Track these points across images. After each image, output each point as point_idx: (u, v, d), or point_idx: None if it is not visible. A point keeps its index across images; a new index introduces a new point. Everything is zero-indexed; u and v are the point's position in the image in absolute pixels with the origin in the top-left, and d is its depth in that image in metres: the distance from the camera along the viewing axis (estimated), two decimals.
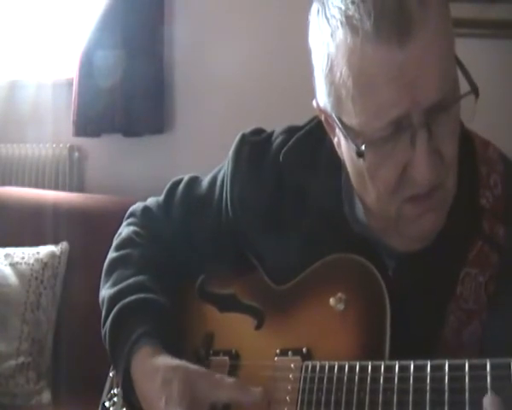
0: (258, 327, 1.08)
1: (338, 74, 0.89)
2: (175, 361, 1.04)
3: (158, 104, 2.84)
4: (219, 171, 1.19)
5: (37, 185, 2.94)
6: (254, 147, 1.13)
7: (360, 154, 0.89)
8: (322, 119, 0.98)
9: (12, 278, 2.43)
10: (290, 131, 1.12)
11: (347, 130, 0.91)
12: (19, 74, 3.10)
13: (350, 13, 0.86)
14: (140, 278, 1.15)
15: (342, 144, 0.96)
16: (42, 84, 3.02)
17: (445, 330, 0.96)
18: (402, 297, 0.94)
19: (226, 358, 1.09)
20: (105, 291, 1.16)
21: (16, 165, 3.03)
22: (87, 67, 2.79)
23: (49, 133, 2.98)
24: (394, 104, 0.85)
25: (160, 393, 1.00)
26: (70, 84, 2.89)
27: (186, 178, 1.24)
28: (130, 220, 1.27)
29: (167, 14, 2.84)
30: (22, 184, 2.94)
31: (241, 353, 1.08)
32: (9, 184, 2.95)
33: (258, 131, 1.16)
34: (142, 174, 2.87)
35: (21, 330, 2.37)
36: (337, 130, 0.95)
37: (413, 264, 0.98)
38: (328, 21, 0.89)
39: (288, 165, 1.08)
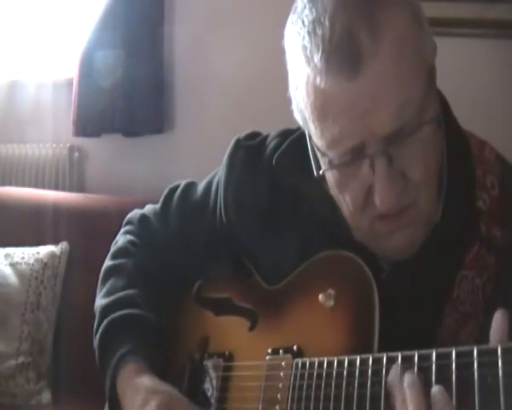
0: (251, 328, 1.09)
1: (301, 97, 0.91)
2: (157, 383, 1.05)
3: (158, 104, 2.84)
4: (214, 176, 1.19)
5: (37, 185, 2.94)
6: (249, 151, 1.14)
7: (319, 177, 0.93)
8: None
9: (12, 278, 2.43)
10: (284, 135, 1.12)
11: (315, 148, 0.93)
12: (19, 74, 3.10)
13: (305, 43, 0.87)
14: (131, 291, 1.17)
15: None
16: (42, 84, 3.01)
17: (441, 331, 0.95)
18: (398, 299, 0.94)
19: (220, 360, 1.10)
20: (98, 301, 1.19)
21: (16, 165, 3.03)
22: (87, 67, 2.79)
23: (49, 133, 2.98)
24: (348, 135, 0.86)
25: None
26: (70, 84, 2.89)
27: (182, 184, 1.25)
28: (127, 228, 1.28)
29: (167, 14, 2.84)
30: (22, 184, 2.94)
31: (235, 354, 1.09)
32: (9, 184, 2.95)
33: (253, 135, 1.17)
34: (142, 174, 2.87)
35: (21, 330, 2.37)
36: None
37: (409, 266, 0.98)
38: (294, 45, 0.90)
39: (280, 169, 1.08)
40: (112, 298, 1.16)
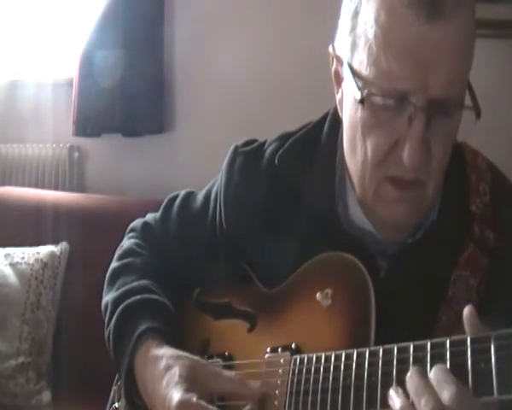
0: (250, 330, 1.10)
1: (363, 21, 0.91)
2: (178, 351, 1.06)
3: (158, 104, 2.84)
4: (213, 184, 1.21)
5: (37, 185, 2.94)
6: (247, 156, 1.15)
7: (361, 100, 0.91)
8: (333, 69, 1.00)
9: (12, 278, 2.43)
10: (283, 138, 1.14)
11: (356, 77, 0.92)
12: (19, 74, 3.10)
13: None
14: (143, 281, 1.17)
15: (345, 97, 0.98)
16: (42, 84, 3.01)
17: (437, 330, 0.97)
18: (394, 297, 0.96)
19: (219, 360, 1.10)
20: (108, 297, 1.18)
21: (16, 165, 3.03)
22: (87, 67, 2.79)
23: (49, 133, 2.98)
24: (404, 78, 0.87)
25: (161, 377, 1.01)
26: (70, 84, 2.89)
27: (182, 193, 1.26)
28: (130, 235, 1.30)
29: (167, 14, 2.84)
30: (22, 184, 2.94)
31: (234, 355, 1.10)
32: (9, 184, 2.95)
33: (250, 142, 1.18)
34: (142, 174, 2.87)
35: (21, 330, 2.37)
36: (343, 82, 0.97)
37: (405, 265, 1.01)
38: None
39: (283, 167, 1.10)
40: (124, 289, 1.16)
